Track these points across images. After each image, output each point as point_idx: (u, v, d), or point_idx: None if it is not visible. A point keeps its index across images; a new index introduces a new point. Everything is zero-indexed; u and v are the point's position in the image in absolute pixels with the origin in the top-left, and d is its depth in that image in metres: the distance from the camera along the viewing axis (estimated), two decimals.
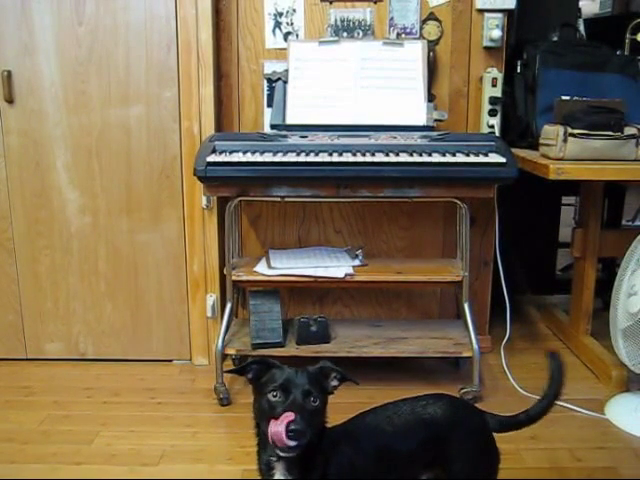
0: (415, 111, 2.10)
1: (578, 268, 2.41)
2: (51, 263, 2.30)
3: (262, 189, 1.97)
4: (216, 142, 1.98)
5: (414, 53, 2.13)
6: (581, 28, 2.75)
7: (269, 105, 2.23)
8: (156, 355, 2.38)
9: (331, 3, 2.22)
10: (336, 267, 2.10)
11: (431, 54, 2.19)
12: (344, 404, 2.10)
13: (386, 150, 1.91)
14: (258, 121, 2.28)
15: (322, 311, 2.39)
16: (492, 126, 2.20)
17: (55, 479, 1.67)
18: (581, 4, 2.95)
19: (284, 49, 2.20)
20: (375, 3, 2.21)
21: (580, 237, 2.36)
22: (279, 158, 1.87)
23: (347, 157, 1.87)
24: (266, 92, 2.26)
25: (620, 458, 1.76)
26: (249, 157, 1.89)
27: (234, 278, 2.08)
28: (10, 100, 2.16)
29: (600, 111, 1.94)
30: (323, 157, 1.86)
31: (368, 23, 2.22)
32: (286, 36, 2.23)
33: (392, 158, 1.86)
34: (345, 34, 2.22)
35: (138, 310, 2.34)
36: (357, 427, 1.28)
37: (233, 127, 2.30)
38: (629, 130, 1.91)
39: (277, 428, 1.04)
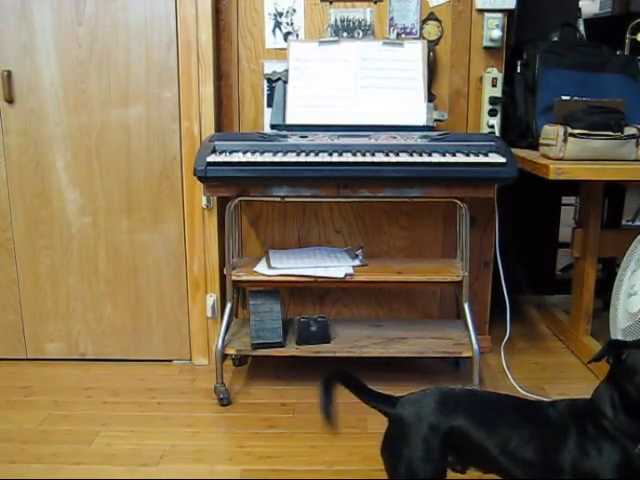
0: (415, 111, 2.10)
1: (578, 268, 2.42)
2: (51, 263, 2.30)
3: (262, 189, 1.97)
4: (216, 142, 1.98)
5: (414, 53, 2.13)
6: (581, 28, 2.75)
7: (269, 105, 2.23)
8: (156, 355, 2.38)
9: (331, 3, 2.22)
10: (336, 267, 2.10)
11: (431, 54, 2.19)
12: (344, 404, 2.10)
13: (386, 150, 1.91)
14: (258, 121, 2.28)
15: (322, 311, 2.39)
16: (492, 126, 2.20)
17: (55, 479, 1.67)
18: (581, 4, 2.94)
19: (284, 49, 2.20)
20: (375, 3, 2.21)
21: (580, 237, 2.36)
22: (279, 158, 1.87)
23: (347, 157, 1.87)
24: (266, 92, 2.26)
25: None
26: (249, 157, 1.89)
27: (234, 278, 2.08)
28: (10, 100, 2.16)
29: (600, 111, 1.93)
30: (323, 157, 1.86)
31: (368, 23, 2.22)
32: (286, 36, 2.23)
33: (392, 158, 1.86)
34: (345, 34, 2.22)
35: (138, 310, 2.34)
36: None
37: (233, 127, 2.30)
38: (629, 130, 1.91)
39: None
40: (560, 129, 1.90)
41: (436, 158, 1.88)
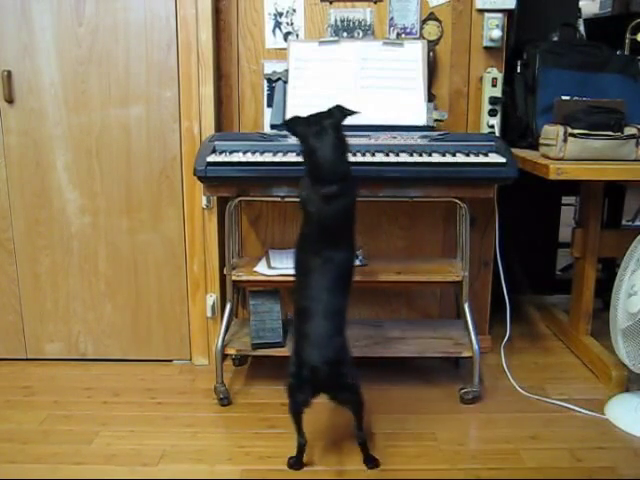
0: (415, 111, 2.10)
1: (578, 268, 2.41)
2: (51, 263, 2.30)
3: (262, 189, 1.97)
4: (216, 142, 1.98)
5: (414, 53, 2.13)
6: (581, 28, 2.76)
7: (269, 105, 2.23)
8: (156, 355, 2.38)
9: (331, 3, 2.22)
10: None
11: (431, 54, 2.19)
12: None
13: (386, 150, 1.91)
14: (258, 121, 2.28)
15: None
16: (492, 126, 2.20)
17: (55, 479, 1.67)
18: (581, 4, 2.95)
19: (284, 49, 2.20)
20: (375, 3, 2.21)
21: (580, 237, 2.36)
22: (279, 158, 1.87)
23: None
24: (266, 92, 2.26)
25: (620, 458, 1.76)
26: (249, 157, 1.89)
27: (234, 278, 2.08)
28: (10, 100, 2.17)
29: (600, 111, 1.94)
30: None
31: (368, 23, 2.22)
32: (286, 36, 2.23)
33: (392, 158, 1.87)
34: (345, 34, 2.22)
35: (138, 310, 2.35)
36: None
37: (233, 127, 2.30)
38: (629, 130, 1.91)
39: None
40: (560, 129, 1.90)
41: (436, 158, 1.88)
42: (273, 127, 2.12)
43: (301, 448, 1.69)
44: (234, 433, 1.91)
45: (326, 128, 1.60)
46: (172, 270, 2.31)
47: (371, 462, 1.71)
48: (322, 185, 1.59)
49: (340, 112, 1.64)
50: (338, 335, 1.62)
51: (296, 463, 1.70)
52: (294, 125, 1.64)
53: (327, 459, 1.76)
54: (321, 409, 2.03)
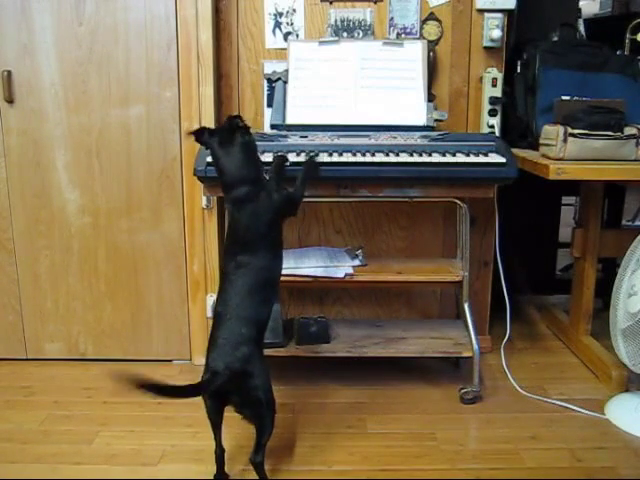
0: (415, 111, 2.10)
1: (578, 268, 2.42)
2: (51, 263, 2.30)
3: None
4: None
5: (414, 53, 2.13)
6: (581, 28, 2.76)
7: (269, 105, 2.24)
8: (156, 355, 2.37)
9: (331, 3, 2.22)
10: (336, 267, 2.10)
11: (431, 54, 2.19)
12: (345, 404, 2.11)
13: (386, 150, 1.91)
14: (258, 121, 2.28)
15: (322, 311, 2.39)
16: (492, 126, 2.20)
17: (55, 479, 1.67)
18: (581, 4, 2.95)
19: (284, 49, 2.20)
20: (375, 3, 2.21)
21: (580, 237, 2.36)
22: None
23: (347, 157, 1.87)
24: (266, 92, 2.26)
25: (620, 458, 1.76)
26: None
27: None
28: (10, 100, 2.16)
29: (600, 111, 1.94)
30: (323, 157, 1.86)
31: (368, 23, 2.22)
32: (286, 36, 2.23)
33: (392, 158, 1.87)
34: (345, 34, 2.22)
35: (138, 310, 2.34)
36: None
37: None
38: (629, 130, 1.91)
39: None
40: (560, 129, 1.90)
41: (436, 158, 1.88)
42: (273, 127, 2.12)
43: (218, 459, 1.63)
44: (234, 433, 1.91)
45: (230, 136, 1.61)
46: (172, 270, 2.31)
47: None
48: (230, 191, 1.62)
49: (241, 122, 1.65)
50: (248, 344, 1.53)
51: (219, 477, 1.64)
52: (199, 135, 1.67)
53: (326, 459, 1.76)
54: (321, 409, 2.03)
